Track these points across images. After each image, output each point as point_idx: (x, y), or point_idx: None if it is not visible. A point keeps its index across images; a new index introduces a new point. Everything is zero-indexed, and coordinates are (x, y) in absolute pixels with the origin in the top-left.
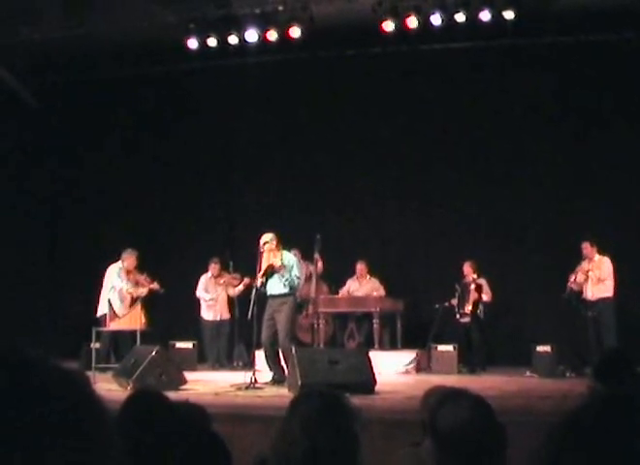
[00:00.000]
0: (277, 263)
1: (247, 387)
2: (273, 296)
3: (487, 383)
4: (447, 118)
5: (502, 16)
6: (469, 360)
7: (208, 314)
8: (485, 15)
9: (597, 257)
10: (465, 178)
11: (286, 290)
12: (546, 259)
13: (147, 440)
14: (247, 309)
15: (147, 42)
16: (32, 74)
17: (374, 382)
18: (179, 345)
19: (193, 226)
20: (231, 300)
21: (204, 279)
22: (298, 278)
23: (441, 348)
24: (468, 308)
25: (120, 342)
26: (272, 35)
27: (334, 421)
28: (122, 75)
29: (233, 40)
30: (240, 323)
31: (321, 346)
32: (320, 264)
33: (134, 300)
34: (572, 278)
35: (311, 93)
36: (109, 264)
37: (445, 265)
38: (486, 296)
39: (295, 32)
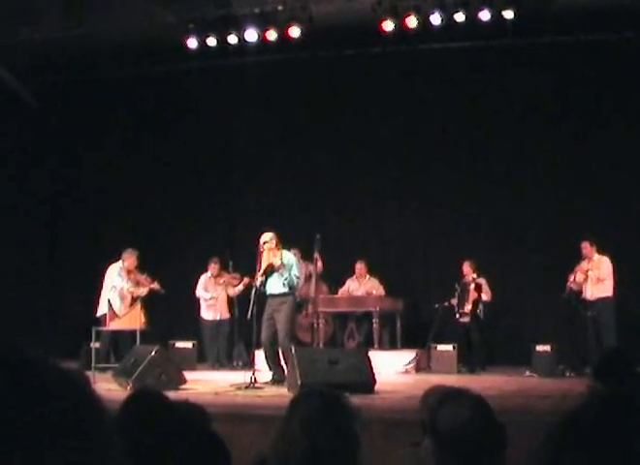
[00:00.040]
0: (277, 262)
1: (247, 387)
2: (273, 296)
3: (487, 382)
4: (447, 118)
5: (502, 16)
6: (469, 360)
7: (207, 314)
8: (484, 15)
9: (597, 256)
10: (465, 178)
11: (285, 289)
12: (546, 259)
13: (147, 440)
14: (247, 309)
15: (147, 42)
16: (32, 74)
17: (374, 381)
18: (179, 345)
19: (193, 226)
20: (230, 300)
21: (203, 279)
22: (297, 278)
23: (441, 347)
24: (468, 308)
25: (120, 342)
26: (272, 35)
27: (333, 421)
28: (122, 75)
29: (232, 39)
30: (239, 322)
31: (321, 346)
32: (320, 264)
33: (134, 300)
34: (572, 278)
35: (311, 93)
36: (109, 264)
37: (445, 265)
38: (485, 296)
39: (294, 32)
